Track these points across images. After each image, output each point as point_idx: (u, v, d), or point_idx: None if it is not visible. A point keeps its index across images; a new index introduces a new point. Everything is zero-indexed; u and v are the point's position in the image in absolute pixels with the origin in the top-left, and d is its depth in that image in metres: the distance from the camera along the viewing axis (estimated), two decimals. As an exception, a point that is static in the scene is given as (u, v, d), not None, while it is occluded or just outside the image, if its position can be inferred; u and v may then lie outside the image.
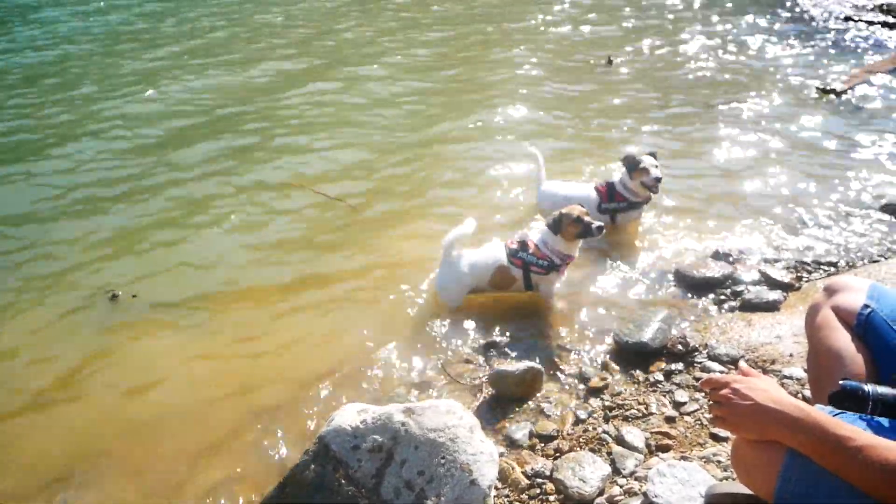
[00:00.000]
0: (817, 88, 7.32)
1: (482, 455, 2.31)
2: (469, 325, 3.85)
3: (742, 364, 1.73)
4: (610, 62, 8.64)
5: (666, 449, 2.78)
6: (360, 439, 2.31)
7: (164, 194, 5.54)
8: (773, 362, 3.21)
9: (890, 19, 9.67)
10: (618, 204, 4.64)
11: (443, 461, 2.27)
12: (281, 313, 4.05)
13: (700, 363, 3.33)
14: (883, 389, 1.63)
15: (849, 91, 7.26)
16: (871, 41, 8.98)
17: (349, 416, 2.37)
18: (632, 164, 4.56)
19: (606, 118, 6.94)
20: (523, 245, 3.91)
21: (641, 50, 9.18)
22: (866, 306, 1.98)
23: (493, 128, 6.78)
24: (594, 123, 6.81)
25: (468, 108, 7.32)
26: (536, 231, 4.15)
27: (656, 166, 4.51)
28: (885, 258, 4.19)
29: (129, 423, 3.27)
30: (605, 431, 2.93)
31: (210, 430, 3.19)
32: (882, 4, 10.49)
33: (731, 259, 4.30)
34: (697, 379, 3.19)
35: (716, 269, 4.12)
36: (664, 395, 3.14)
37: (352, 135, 6.72)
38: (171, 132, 6.86)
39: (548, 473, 2.68)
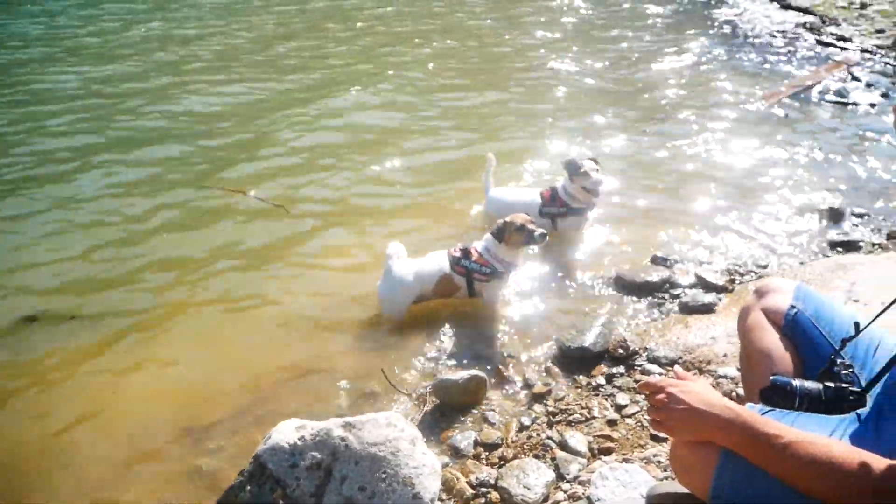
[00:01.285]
0: (753, 101, 7.57)
1: (424, 468, 2.28)
2: (412, 334, 3.82)
3: (676, 368, 1.76)
4: (549, 67, 8.79)
5: (608, 452, 2.81)
6: (299, 457, 2.26)
7: (88, 206, 5.36)
8: (709, 362, 3.28)
9: (813, 36, 10.08)
10: (558, 209, 4.67)
11: (384, 476, 2.23)
12: (215, 326, 3.96)
13: (640, 366, 3.38)
14: (809, 384, 1.71)
15: (778, 104, 7.52)
16: (797, 56, 9.34)
17: (287, 432, 2.32)
18: (573, 169, 4.59)
19: (550, 126, 7.04)
20: (466, 253, 3.92)
21: (581, 61, 9.34)
22: (793, 307, 2.06)
23: (420, 129, 6.80)
24: (534, 130, 6.89)
25: (403, 110, 7.33)
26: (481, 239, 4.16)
27: (597, 170, 4.56)
28: (810, 260, 4.35)
29: (54, 445, 3.13)
30: (548, 437, 2.95)
31: (140, 450, 3.09)
32: (805, 23, 10.95)
33: (668, 263, 4.39)
34: (638, 381, 3.24)
35: (654, 274, 4.20)
36: (606, 399, 3.17)
37: (286, 136, 6.64)
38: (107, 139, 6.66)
39: (492, 482, 2.67)
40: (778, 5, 12.54)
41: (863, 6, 11.61)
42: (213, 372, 3.61)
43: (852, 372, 1.82)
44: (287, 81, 8.52)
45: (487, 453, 2.92)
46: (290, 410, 3.24)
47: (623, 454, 2.77)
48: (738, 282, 4.17)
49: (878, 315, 1.85)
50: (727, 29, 10.96)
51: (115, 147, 6.53)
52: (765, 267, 4.34)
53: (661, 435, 2.79)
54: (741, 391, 2.89)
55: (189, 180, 5.81)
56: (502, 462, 2.83)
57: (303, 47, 10.10)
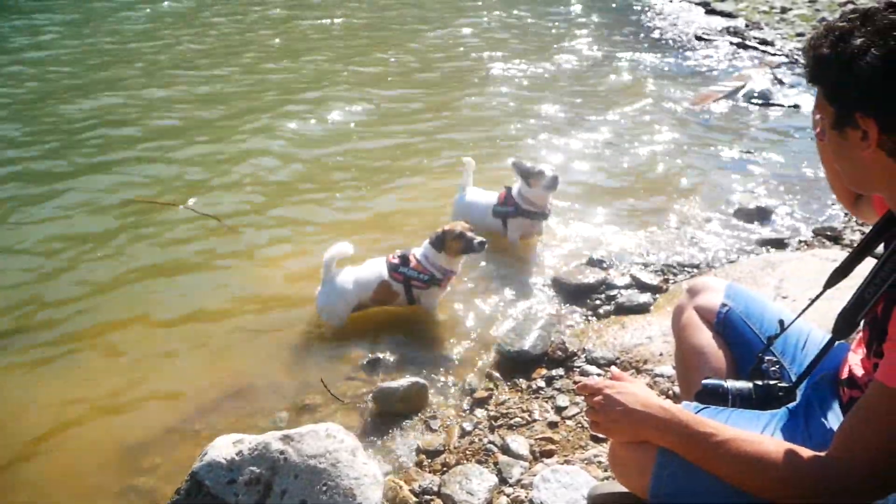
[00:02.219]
0: (682, 104, 7.79)
1: (365, 478, 2.25)
2: (352, 342, 3.78)
3: (613, 369, 1.78)
4: (486, 73, 8.86)
5: (550, 454, 2.82)
6: (237, 472, 2.19)
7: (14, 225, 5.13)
8: (645, 362, 3.34)
9: (738, 40, 10.44)
10: (507, 209, 4.65)
11: (325, 488, 2.19)
12: (149, 342, 3.82)
13: (579, 367, 3.41)
14: (740, 384, 1.77)
15: (707, 106, 7.76)
16: (724, 60, 9.65)
17: (223, 448, 2.25)
18: (525, 172, 4.54)
19: (489, 132, 7.09)
20: (404, 260, 3.89)
21: (516, 67, 9.44)
22: (724, 305, 2.10)
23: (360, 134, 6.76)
24: (471, 136, 6.92)
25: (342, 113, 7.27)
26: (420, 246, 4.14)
27: (552, 169, 4.54)
28: (739, 258, 4.48)
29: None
30: (490, 442, 2.95)
31: (72, 470, 2.96)
32: (729, 27, 11.33)
33: (604, 265, 4.45)
34: (577, 383, 3.26)
35: (591, 276, 4.26)
36: (546, 401, 3.19)
37: (222, 146, 6.50)
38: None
39: (435, 489, 2.65)
40: (703, 10, 12.95)
41: (783, 11, 12.10)
42: (148, 388, 3.49)
43: (780, 368, 1.89)
44: (220, 94, 8.32)
45: (430, 460, 2.91)
46: (228, 425, 3.17)
47: (564, 456, 2.79)
48: (671, 281, 4.27)
49: (803, 311, 1.91)
50: (656, 34, 11.26)
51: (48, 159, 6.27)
52: (697, 266, 4.46)
53: (601, 436, 2.82)
54: (678, 389, 2.94)
55: (121, 194, 5.60)
56: (445, 468, 2.81)
57: (237, 61, 9.88)
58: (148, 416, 3.27)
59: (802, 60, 1.45)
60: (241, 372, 3.58)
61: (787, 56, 9.51)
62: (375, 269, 3.93)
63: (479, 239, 3.81)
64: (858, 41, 1.30)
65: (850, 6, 1.36)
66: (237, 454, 2.23)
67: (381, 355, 3.65)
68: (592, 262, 4.49)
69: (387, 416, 3.19)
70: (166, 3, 12.33)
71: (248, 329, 3.94)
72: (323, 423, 2.48)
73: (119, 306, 4.16)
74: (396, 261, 3.91)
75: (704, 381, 1.81)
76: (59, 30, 11.20)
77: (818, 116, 1.48)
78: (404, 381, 3.21)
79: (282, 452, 2.23)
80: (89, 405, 3.37)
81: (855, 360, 1.66)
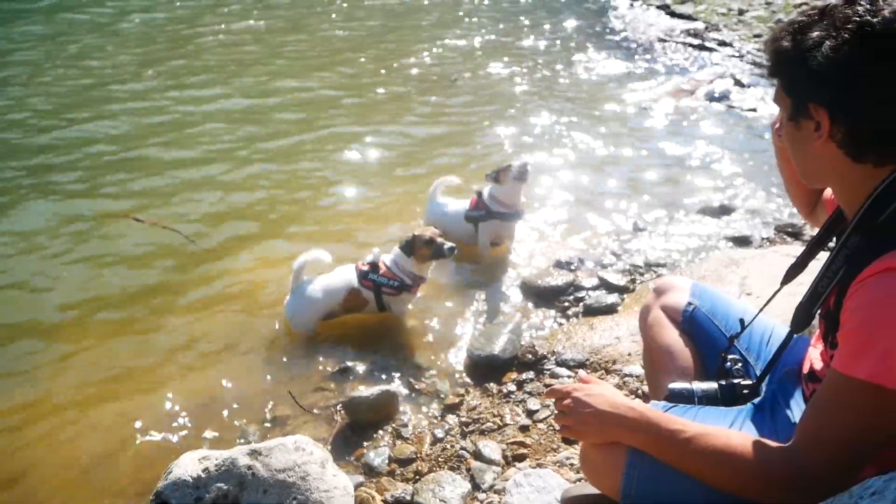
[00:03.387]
0: (645, 104, 7.89)
1: (336, 490, 2.22)
2: (321, 351, 3.74)
3: (581, 372, 1.79)
4: (454, 81, 8.87)
5: (522, 458, 2.82)
6: (203, 490, 2.14)
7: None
8: (614, 362, 3.35)
9: (697, 42, 10.61)
10: (478, 212, 4.62)
11: (294, 502, 2.15)
12: (111, 357, 3.73)
13: (549, 370, 3.41)
14: (705, 385, 1.83)
15: (668, 106, 7.87)
16: (685, 61, 9.79)
17: (189, 465, 2.20)
18: (495, 171, 4.52)
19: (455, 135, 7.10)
20: (374, 267, 3.87)
21: (477, 70, 9.47)
22: (690, 304, 2.13)
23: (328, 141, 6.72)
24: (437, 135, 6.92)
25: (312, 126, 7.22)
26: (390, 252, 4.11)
27: (521, 158, 4.52)
28: (705, 256, 4.53)
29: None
30: (462, 448, 2.93)
31: (31, 492, 2.88)
32: (689, 29, 11.50)
33: (572, 267, 4.47)
34: (547, 386, 3.27)
35: (559, 278, 4.27)
36: (517, 405, 3.19)
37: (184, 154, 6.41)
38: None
39: (408, 498, 2.63)
40: (664, 13, 13.12)
41: (740, 13, 12.28)
42: (109, 407, 3.39)
43: (744, 366, 1.92)
44: (171, 101, 8.19)
45: (402, 469, 2.88)
46: (195, 441, 3.12)
47: (537, 459, 2.79)
48: (638, 281, 4.30)
49: (762, 308, 1.95)
50: (619, 37, 11.37)
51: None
52: (663, 265, 4.49)
53: (573, 438, 2.82)
54: (647, 389, 2.96)
55: (73, 205, 5.49)
56: (417, 477, 2.79)
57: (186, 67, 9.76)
58: (110, 436, 3.19)
59: (764, 55, 1.49)
60: (207, 386, 3.51)
61: (744, 57, 9.67)
62: (345, 276, 3.90)
63: (448, 244, 3.80)
64: (815, 34, 1.34)
65: (805, 7, 1.41)
66: (203, 471, 2.18)
67: (350, 364, 3.62)
68: (560, 265, 4.51)
69: (357, 425, 3.16)
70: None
71: (213, 342, 3.86)
72: (291, 435, 2.44)
73: (77, 322, 4.06)
74: (366, 268, 3.88)
75: (671, 386, 1.84)
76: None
77: (778, 110, 1.53)
78: (374, 389, 3.18)
79: (249, 468, 2.18)
80: (48, 426, 3.27)
81: (815, 355, 1.69)
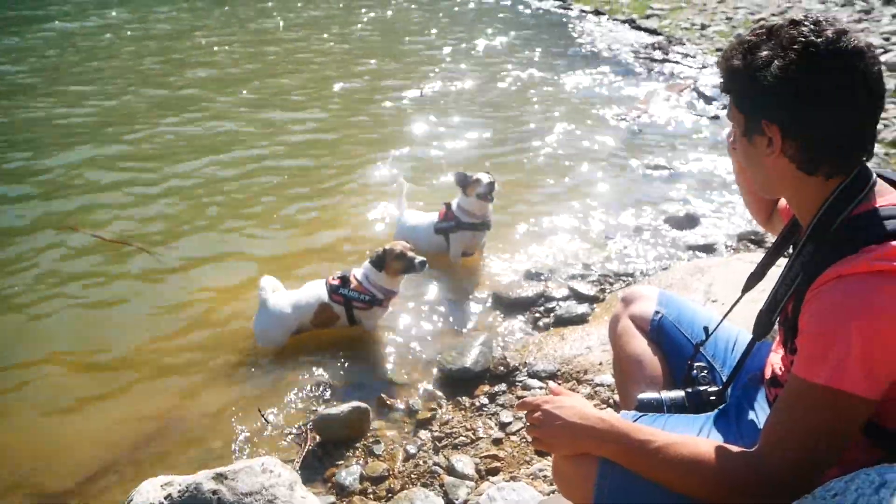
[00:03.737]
0: (611, 116, 7.99)
1: (306, 511, 2.17)
2: (290, 368, 3.68)
3: (551, 384, 1.80)
4: (421, 93, 8.90)
5: (495, 472, 2.80)
6: (168, 516, 2.08)
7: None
8: (585, 372, 3.36)
9: (661, 55, 10.79)
10: (448, 224, 4.62)
11: (263, 525, 2.10)
12: (67, 382, 3.63)
13: (521, 382, 3.41)
14: (673, 394, 1.86)
15: (632, 118, 7.97)
16: (650, 74, 9.93)
17: (151, 491, 2.13)
18: (463, 181, 4.54)
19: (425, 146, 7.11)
20: (345, 281, 3.84)
21: (449, 80, 9.51)
22: (657, 312, 2.16)
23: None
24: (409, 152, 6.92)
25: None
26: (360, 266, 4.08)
27: (488, 174, 4.53)
28: (671, 265, 4.58)
29: None
30: (436, 463, 2.91)
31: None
32: (654, 43, 11.71)
33: (542, 278, 4.48)
34: (520, 397, 3.26)
35: (529, 289, 4.28)
36: (490, 418, 3.17)
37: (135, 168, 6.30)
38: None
39: (381, 517, 2.60)
40: (629, 27, 13.34)
41: (703, 27, 12.54)
42: (68, 432, 3.30)
43: (710, 373, 1.95)
44: (125, 111, 8.11)
45: (374, 487, 2.84)
46: (159, 465, 3.02)
47: (510, 472, 2.77)
48: (608, 291, 4.32)
49: (725, 316, 1.99)
50: (586, 50, 11.53)
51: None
52: (631, 275, 4.53)
53: (545, 450, 2.81)
54: (618, 398, 2.97)
55: (24, 220, 5.38)
56: (390, 494, 2.76)
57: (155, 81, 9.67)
58: (69, 464, 3.08)
59: (718, 72, 1.54)
60: (171, 406, 3.43)
61: (707, 70, 9.85)
62: (314, 291, 3.86)
63: (419, 258, 3.79)
64: (764, 53, 1.40)
65: (764, 23, 1.46)
66: (166, 497, 2.12)
67: (320, 381, 3.57)
68: (530, 276, 4.52)
69: (328, 443, 3.11)
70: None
71: (178, 362, 3.79)
72: (259, 457, 2.39)
73: (31, 344, 3.95)
74: (336, 282, 3.85)
75: (640, 397, 1.88)
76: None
77: (731, 126, 1.57)
78: (345, 406, 3.13)
79: (215, 492, 2.13)
80: (1, 457, 3.17)
81: (776, 360, 1.71)
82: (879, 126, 6.17)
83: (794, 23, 1.39)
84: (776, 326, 1.64)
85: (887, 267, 1.27)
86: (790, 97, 1.37)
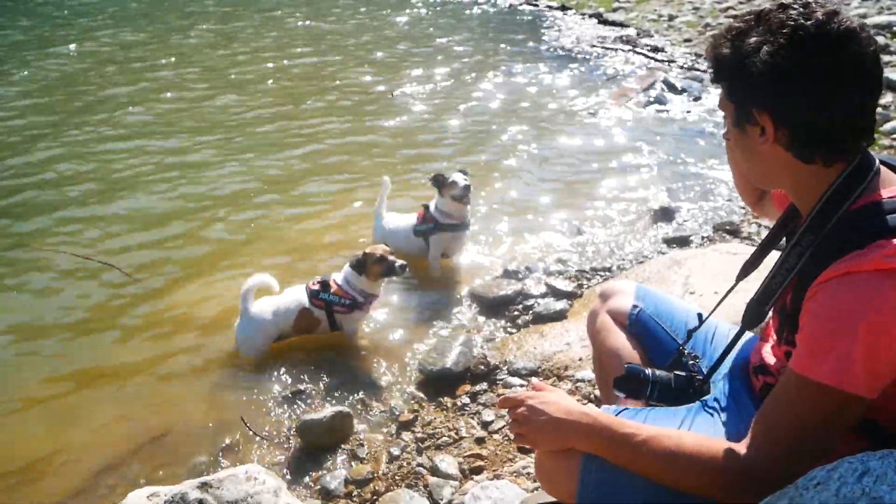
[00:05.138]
0: (583, 111, 8.04)
1: (291, 517, 2.17)
2: (272, 374, 3.67)
3: (534, 380, 1.79)
4: (392, 95, 8.89)
5: (479, 471, 2.81)
6: (153, 528, 2.07)
7: None
8: (566, 368, 3.38)
9: (629, 48, 10.87)
10: (427, 226, 4.62)
11: (248, 533, 2.09)
12: (51, 398, 3.58)
13: (502, 380, 3.42)
14: (660, 372, 1.82)
15: (605, 112, 8.03)
16: (619, 67, 10.00)
17: (137, 503, 2.12)
18: (440, 182, 4.55)
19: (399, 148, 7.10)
20: (325, 285, 3.82)
21: (420, 82, 9.51)
22: (635, 306, 2.16)
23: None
24: (378, 155, 6.90)
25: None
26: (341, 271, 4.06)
27: (464, 177, 4.54)
28: (648, 258, 4.61)
29: None
30: (419, 464, 2.91)
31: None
32: (622, 36, 11.79)
33: (520, 276, 4.50)
34: (500, 396, 3.27)
35: (507, 287, 4.29)
36: (472, 417, 3.18)
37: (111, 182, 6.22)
38: None
39: (366, 520, 2.59)
40: (597, 21, 13.42)
41: (670, 18, 12.65)
42: (52, 447, 3.25)
43: (698, 362, 1.94)
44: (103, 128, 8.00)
45: (359, 490, 2.84)
46: (145, 476, 3.01)
47: (494, 470, 2.78)
48: (585, 286, 4.35)
49: (719, 303, 1.95)
50: (555, 45, 11.58)
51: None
52: (609, 269, 4.56)
53: (528, 447, 2.83)
54: (599, 393, 2.99)
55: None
56: (375, 497, 2.76)
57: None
58: (55, 479, 3.05)
59: (706, 62, 1.53)
60: (156, 418, 3.40)
61: (676, 61, 9.95)
62: (295, 297, 3.85)
63: (400, 262, 3.78)
64: (753, 40, 1.37)
65: (731, 11, 1.44)
66: (152, 508, 2.11)
67: (302, 386, 3.56)
68: (508, 274, 4.53)
69: (312, 448, 3.10)
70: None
71: (160, 372, 3.76)
72: (243, 465, 2.38)
73: (12, 361, 3.90)
74: (317, 287, 3.83)
75: (627, 365, 1.84)
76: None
77: (724, 116, 1.54)
78: (328, 411, 3.13)
79: (200, 501, 2.11)
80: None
81: (766, 348, 1.71)
82: (880, 115, 6.26)
83: (783, 6, 1.36)
84: (769, 316, 1.62)
85: None
86: (781, 83, 1.33)
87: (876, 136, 5.73)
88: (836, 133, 1.36)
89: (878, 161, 1.41)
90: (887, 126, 6.25)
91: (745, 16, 1.44)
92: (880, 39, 8.75)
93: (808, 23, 1.31)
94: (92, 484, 3.00)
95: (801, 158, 1.39)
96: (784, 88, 1.34)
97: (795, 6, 1.35)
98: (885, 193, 1.35)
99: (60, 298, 4.51)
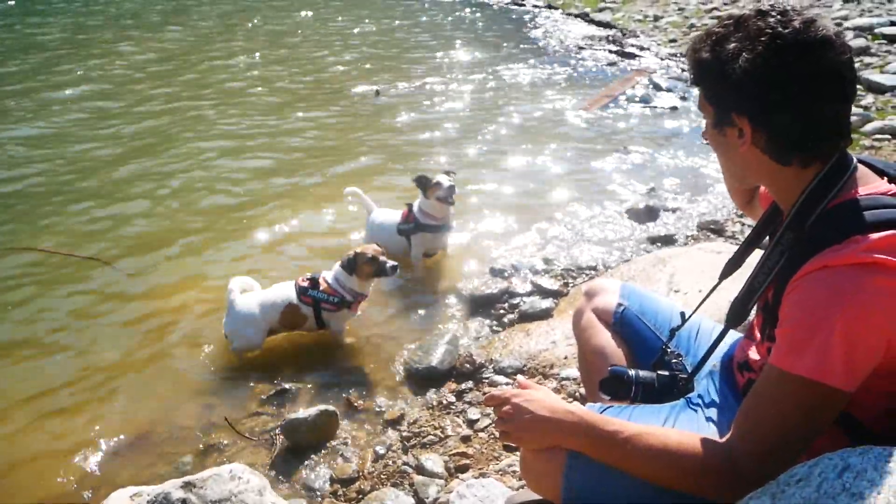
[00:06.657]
0: (569, 110, 8.07)
1: (276, 516, 2.16)
2: (256, 373, 3.66)
3: (519, 378, 1.79)
4: (378, 94, 8.88)
5: (465, 469, 2.81)
6: (136, 528, 2.05)
7: None
8: (551, 366, 3.39)
9: (615, 48, 10.93)
10: (408, 225, 4.62)
11: (232, 533, 2.08)
12: (34, 396, 3.53)
13: (488, 378, 3.42)
14: (644, 373, 1.84)
15: (592, 111, 8.06)
16: (606, 67, 10.05)
17: (120, 503, 2.10)
18: (424, 183, 4.56)
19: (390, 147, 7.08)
20: (314, 283, 3.81)
21: (408, 82, 9.50)
22: (620, 305, 2.17)
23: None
24: (364, 155, 6.89)
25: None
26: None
27: (449, 178, 4.54)
28: (633, 257, 4.64)
29: None
30: (405, 463, 2.90)
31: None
32: (608, 36, 11.86)
33: (505, 274, 4.51)
34: (486, 394, 3.27)
35: (493, 286, 4.30)
36: (458, 416, 3.18)
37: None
38: None
39: (352, 519, 2.59)
40: (583, 21, 13.48)
41: (656, 19, 12.74)
42: (32, 442, 3.23)
43: (681, 360, 1.95)
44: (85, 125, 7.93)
45: (344, 489, 2.83)
46: (129, 476, 2.97)
47: (479, 469, 2.79)
48: (571, 285, 4.36)
49: (702, 302, 1.97)
50: (541, 45, 11.62)
51: None
52: (594, 268, 4.58)
53: (513, 445, 2.83)
54: (584, 391, 3.00)
55: None
56: (360, 496, 2.75)
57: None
58: (37, 479, 3.02)
59: (686, 65, 1.55)
60: (140, 418, 3.37)
61: (662, 61, 10.01)
62: (282, 292, 3.84)
63: (391, 263, 3.77)
64: (732, 45, 1.40)
65: (715, 12, 1.46)
66: (135, 508, 2.09)
67: (287, 385, 3.54)
68: (494, 272, 4.54)
69: (297, 448, 3.09)
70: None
71: (143, 372, 3.73)
72: (227, 464, 2.37)
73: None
74: (306, 283, 3.82)
75: (611, 367, 1.85)
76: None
77: (703, 116, 1.56)
78: (313, 410, 3.12)
79: (184, 501, 2.10)
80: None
81: (750, 346, 1.72)
82: (860, 116, 6.26)
83: (761, 13, 1.39)
84: (753, 314, 1.63)
85: (873, 259, 1.25)
86: (759, 89, 1.36)
87: (856, 136, 5.83)
88: (813, 137, 1.39)
89: (855, 160, 1.44)
90: (868, 127, 6.31)
91: (724, 20, 1.46)
92: (861, 41, 8.84)
93: (786, 31, 1.34)
94: (74, 484, 2.97)
95: (779, 161, 1.43)
96: (762, 94, 1.37)
97: (773, 14, 1.37)
98: (863, 191, 1.38)
99: (40, 296, 4.46)
